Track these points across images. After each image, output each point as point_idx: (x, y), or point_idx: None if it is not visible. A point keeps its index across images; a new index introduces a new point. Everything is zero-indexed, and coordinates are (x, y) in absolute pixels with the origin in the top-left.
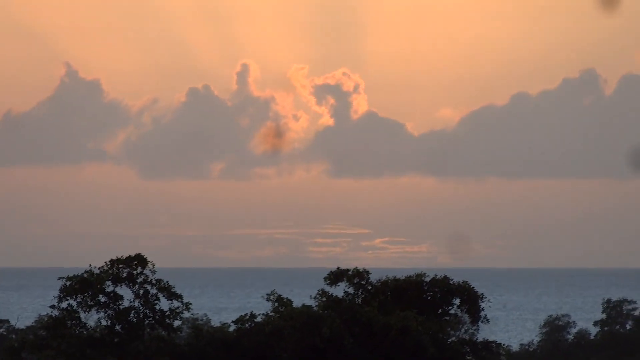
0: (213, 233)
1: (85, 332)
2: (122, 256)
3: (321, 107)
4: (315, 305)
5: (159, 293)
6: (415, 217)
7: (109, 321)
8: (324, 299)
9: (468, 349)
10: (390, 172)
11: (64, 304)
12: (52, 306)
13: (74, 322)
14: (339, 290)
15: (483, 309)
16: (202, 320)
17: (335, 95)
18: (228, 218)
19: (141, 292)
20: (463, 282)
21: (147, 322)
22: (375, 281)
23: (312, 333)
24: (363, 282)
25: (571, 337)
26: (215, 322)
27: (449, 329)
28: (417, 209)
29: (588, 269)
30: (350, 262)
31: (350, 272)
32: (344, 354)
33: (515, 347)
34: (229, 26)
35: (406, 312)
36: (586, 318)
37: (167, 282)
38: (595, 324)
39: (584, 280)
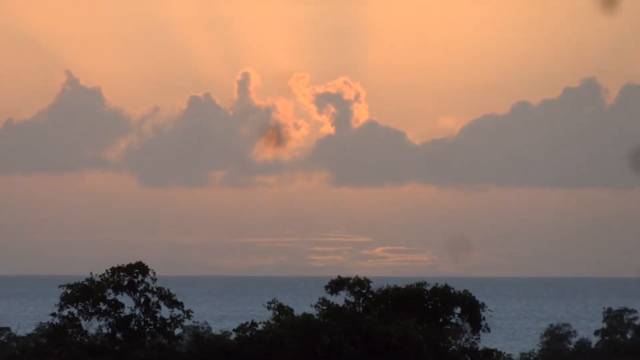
0: (214, 241)
1: (86, 340)
2: (123, 264)
3: (322, 116)
4: (316, 314)
5: (160, 301)
6: (416, 226)
7: (110, 329)
8: (324, 307)
9: (469, 358)
10: (391, 180)
11: (65, 312)
12: (53, 314)
13: (74, 330)
14: (340, 298)
15: (484, 318)
16: (203, 328)
17: (336, 103)
18: (229, 226)
19: (142, 300)
20: (464, 291)
21: (148, 330)
22: (376, 290)
23: (313, 341)
24: (364, 291)
25: (572, 346)
26: (216, 330)
27: (450, 337)
28: (418, 218)
29: (589, 278)
30: (351, 270)
31: (351, 281)
32: None
33: (516, 356)
34: (230, 34)
35: (407, 320)
36: (587, 327)
37: (168, 290)
38: (596, 333)
39: (584, 289)
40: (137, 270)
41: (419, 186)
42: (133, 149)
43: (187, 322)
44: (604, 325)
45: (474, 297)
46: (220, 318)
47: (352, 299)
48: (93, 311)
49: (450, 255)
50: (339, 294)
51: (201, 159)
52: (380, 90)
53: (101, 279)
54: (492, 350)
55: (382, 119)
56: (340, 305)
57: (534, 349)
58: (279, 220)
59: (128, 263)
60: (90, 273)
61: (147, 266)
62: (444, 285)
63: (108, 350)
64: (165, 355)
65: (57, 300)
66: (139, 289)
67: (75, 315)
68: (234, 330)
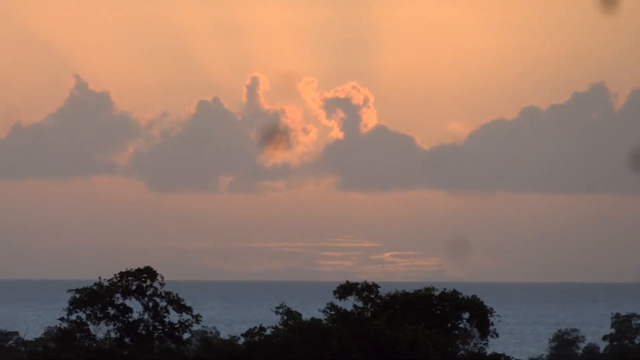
0: (222, 246)
1: (95, 345)
2: (131, 269)
3: (331, 121)
4: (324, 319)
5: (168, 306)
6: (424, 231)
7: (118, 334)
8: (332, 312)
9: None
10: (400, 185)
11: (73, 317)
12: (62, 318)
13: (83, 334)
14: (348, 303)
15: (492, 323)
16: (211, 333)
17: (344, 108)
18: (237, 231)
19: (150, 304)
20: (472, 296)
21: (156, 334)
22: (384, 295)
23: (321, 346)
24: (372, 296)
25: (580, 351)
26: (225, 335)
27: (458, 342)
28: (426, 223)
29: (598, 283)
30: (360, 275)
31: (359, 286)
32: None
33: None
34: (238, 39)
35: (415, 326)
36: (595, 332)
37: (177, 294)
38: (605, 338)
39: (593, 295)
40: (145, 275)
41: (427, 191)
42: (141, 153)
43: (195, 327)
44: (612, 330)
45: (482, 302)
46: (229, 323)
47: (360, 304)
48: (101, 316)
49: (453, 257)
50: (348, 299)
51: (210, 163)
52: (388, 95)
53: (109, 283)
54: (501, 355)
55: (390, 124)
56: (349, 310)
57: (542, 354)
58: (288, 225)
59: (136, 268)
60: (99, 277)
61: (155, 271)
62: (452, 290)
63: (116, 354)
64: None
65: (66, 305)
66: (148, 293)
67: (84, 320)
68: (242, 335)
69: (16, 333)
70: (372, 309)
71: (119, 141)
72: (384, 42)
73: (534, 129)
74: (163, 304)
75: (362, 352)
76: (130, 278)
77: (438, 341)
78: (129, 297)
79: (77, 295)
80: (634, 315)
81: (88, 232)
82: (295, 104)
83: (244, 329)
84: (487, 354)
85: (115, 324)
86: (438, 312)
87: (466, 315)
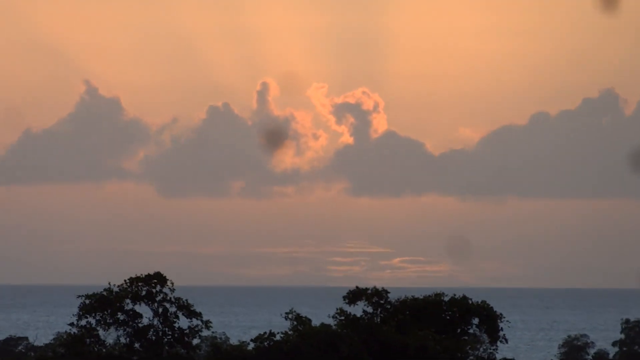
0: (232, 251)
1: (104, 350)
2: (141, 274)
3: (341, 126)
4: (334, 324)
5: (178, 311)
6: (434, 236)
7: (128, 339)
8: (342, 317)
9: None
10: (410, 191)
11: (83, 322)
12: (71, 324)
13: (92, 340)
14: (358, 309)
15: (502, 329)
16: (220, 338)
17: (354, 114)
18: (247, 236)
19: (160, 310)
20: (482, 301)
21: (166, 340)
22: (394, 300)
23: (331, 352)
24: (382, 301)
25: (590, 357)
26: (234, 340)
27: (468, 348)
28: (436, 228)
29: (607, 289)
30: (369, 281)
31: (369, 291)
32: None
33: None
34: (249, 44)
35: (424, 331)
36: (605, 338)
37: (186, 300)
38: (614, 344)
39: (603, 300)
40: (155, 281)
41: (437, 196)
42: (151, 158)
43: (205, 332)
44: (622, 336)
45: (491, 307)
46: (238, 328)
47: (370, 309)
48: (111, 321)
49: (455, 258)
50: (357, 305)
51: (219, 168)
52: (398, 100)
53: (119, 289)
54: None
55: (400, 130)
56: (358, 315)
57: None
58: (297, 231)
59: (146, 273)
60: (109, 283)
61: (165, 276)
62: (461, 295)
63: None
64: None
65: (76, 310)
66: (157, 299)
67: (93, 325)
68: (252, 340)
69: (26, 338)
70: (381, 315)
71: (129, 146)
72: (394, 48)
73: (544, 135)
74: (173, 309)
75: (372, 358)
76: (140, 283)
77: (448, 347)
78: (138, 303)
79: (87, 301)
80: None
81: (98, 237)
82: (306, 110)
83: (254, 335)
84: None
85: (125, 330)
86: (448, 317)
87: (476, 320)
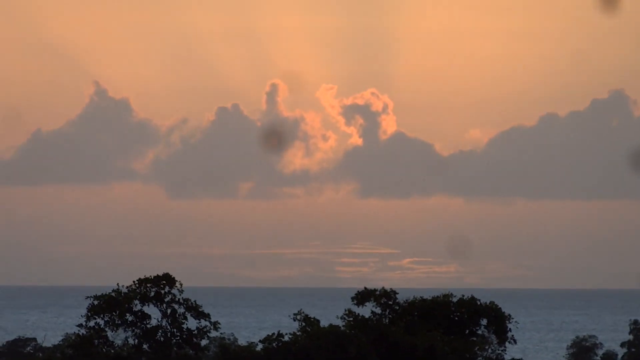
0: (241, 252)
1: (113, 351)
2: (150, 275)
3: (350, 127)
4: (342, 325)
5: (186, 312)
6: (443, 238)
7: (137, 340)
8: (351, 318)
9: None
10: (419, 192)
11: (92, 323)
12: (80, 325)
13: (101, 340)
14: (366, 310)
15: (510, 330)
16: (229, 339)
17: (363, 115)
18: (256, 237)
19: (169, 311)
20: (490, 302)
21: (174, 341)
22: (402, 301)
23: (339, 353)
24: (390, 302)
25: (598, 358)
26: (243, 341)
27: (476, 349)
28: (445, 229)
29: (616, 290)
30: (378, 282)
31: (377, 292)
32: None
33: None
34: (258, 46)
35: (433, 332)
36: (613, 339)
37: (195, 301)
38: (623, 345)
39: (611, 302)
40: (164, 282)
41: (446, 198)
42: (161, 159)
43: (213, 333)
44: (631, 337)
45: (500, 308)
46: (247, 329)
47: (378, 310)
48: (120, 322)
49: (456, 257)
50: (366, 306)
51: (229, 170)
52: (408, 101)
53: (128, 290)
54: None
55: (409, 131)
56: (367, 316)
57: None
58: (306, 232)
59: (155, 274)
60: (117, 284)
61: (174, 277)
62: (470, 296)
63: None
64: None
65: (84, 311)
66: (166, 300)
67: (102, 326)
68: (260, 341)
69: (34, 339)
70: (390, 316)
71: (138, 148)
72: (403, 49)
73: (553, 136)
74: (181, 310)
75: (380, 359)
76: (148, 285)
77: (456, 347)
78: (147, 304)
79: (96, 302)
80: None
81: (107, 238)
82: (315, 111)
83: (262, 336)
84: None
85: (133, 331)
86: (456, 318)
87: (484, 321)
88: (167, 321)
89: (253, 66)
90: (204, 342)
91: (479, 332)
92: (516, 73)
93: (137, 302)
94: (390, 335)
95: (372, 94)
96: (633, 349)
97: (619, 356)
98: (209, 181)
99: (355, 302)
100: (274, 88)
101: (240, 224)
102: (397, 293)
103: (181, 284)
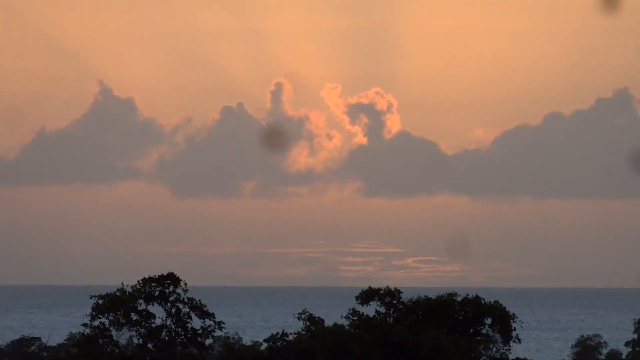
0: (245, 252)
1: (117, 351)
2: (154, 275)
3: (354, 127)
4: (347, 325)
5: (191, 312)
6: (447, 237)
7: (141, 339)
8: (355, 318)
9: None
10: (423, 191)
11: (96, 322)
12: (85, 324)
13: (105, 340)
14: (371, 309)
15: (515, 329)
16: (233, 338)
17: (368, 114)
18: (260, 236)
19: (173, 310)
20: (494, 301)
21: (179, 340)
22: (406, 300)
23: (343, 352)
24: (394, 302)
25: (602, 357)
26: (247, 340)
27: (481, 348)
28: (449, 229)
29: (621, 289)
30: (382, 281)
31: (381, 291)
32: None
33: None
34: (263, 45)
35: (437, 331)
36: (618, 338)
37: (199, 300)
38: (627, 344)
39: (616, 301)
40: (168, 281)
41: (451, 197)
42: (165, 159)
43: (217, 333)
44: (635, 336)
45: (504, 307)
46: (251, 328)
47: (382, 309)
48: (124, 321)
49: (455, 256)
50: (370, 305)
51: (233, 169)
52: (412, 101)
53: (132, 289)
54: None
55: (414, 130)
56: (371, 315)
57: None
58: (310, 231)
59: (160, 273)
60: (122, 283)
61: (178, 277)
62: (474, 296)
63: None
64: None
65: (89, 311)
66: (170, 299)
67: (107, 326)
68: (264, 340)
69: (39, 339)
70: (394, 315)
71: (142, 147)
72: (408, 48)
73: (557, 135)
74: (186, 310)
75: (384, 358)
76: (153, 284)
77: (460, 347)
78: (151, 303)
79: (100, 301)
80: None
81: (111, 238)
82: (319, 110)
83: (267, 335)
84: None
85: (138, 330)
86: (460, 317)
87: (488, 320)
88: (171, 320)
89: (258, 65)
90: (208, 342)
91: (484, 331)
92: (521, 72)
93: (141, 301)
94: (394, 334)
95: (377, 93)
96: (637, 348)
97: (624, 355)
98: (213, 180)
99: (359, 301)
100: (278, 87)
101: (244, 223)
102: (402, 292)
103: (185, 284)
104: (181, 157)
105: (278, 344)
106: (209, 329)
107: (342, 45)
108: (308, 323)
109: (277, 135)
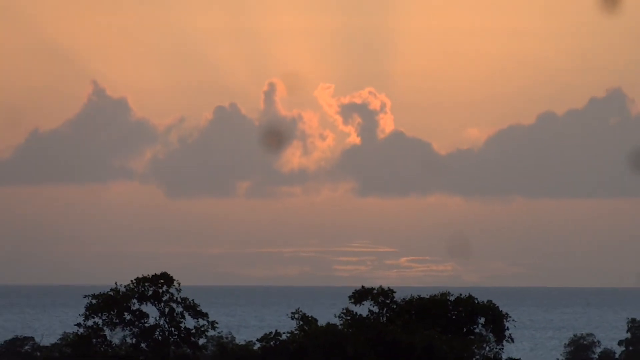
0: (238, 251)
1: (111, 350)
2: (148, 274)
3: (347, 126)
4: (340, 324)
5: (184, 311)
6: (441, 236)
7: (135, 339)
8: (348, 317)
9: None
10: (416, 191)
11: (90, 322)
12: (78, 324)
13: (99, 340)
14: (364, 309)
15: (508, 328)
16: (227, 338)
17: (361, 114)
18: (253, 236)
19: (167, 310)
20: (488, 301)
21: (172, 340)
22: (400, 300)
23: (337, 352)
24: (388, 301)
25: (596, 356)
26: (240, 340)
27: (474, 347)
28: (442, 228)
29: (614, 289)
30: (375, 280)
31: (375, 291)
32: None
33: None
34: (256, 45)
35: (430, 331)
36: (611, 337)
37: (193, 300)
38: (620, 343)
39: (609, 300)
40: (161, 281)
41: (444, 197)
42: (159, 159)
43: (211, 332)
44: (628, 335)
45: (497, 307)
46: (244, 328)
47: (376, 309)
48: (118, 321)
49: (455, 256)
50: (363, 304)
51: (226, 169)
52: (405, 100)
53: (126, 289)
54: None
55: (407, 130)
56: (364, 315)
57: (558, 359)
58: (304, 230)
59: (153, 273)
60: (115, 283)
61: (171, 277)
62: (467, 295)
63: None
64: None
65: (82, 311)
66: (164, 299)
67: (100, 325)
68: (257, 340)
69: (32, 338)
70: (387, 314)
71: (136, 147)
72: (401, 48)
73: (550, 135)
74: (179, 309)
75: (378, 357)
76: (146, 284)
77: (454, 346)
78: (145, 303)
79: (94, 301)
80: None
81: (105, 237)
82: (312, 110)
83: (260, 334)
84: (503, 359)
85: (131, 330)
86: (453, 317)
87: (482, 320)
88: (165, 320)
89: (251, 65)
90: (201, 341)
91: (477, 330)
92: (514, 72)
93: (135, 301)
94: (387, 334)
95: (370, 93)
96: (631, 347)
97: (617, 354)
98: (206, 180)
99: (352, 300)
100: (271, 87)
101: (238, 223)
102: (395, 292)
103: (179, 283)
104: (174, 157)
105: (271, 343)
106: (203, 329)
107: (335, 45)
108: (301, 322)
109: (276, 136)
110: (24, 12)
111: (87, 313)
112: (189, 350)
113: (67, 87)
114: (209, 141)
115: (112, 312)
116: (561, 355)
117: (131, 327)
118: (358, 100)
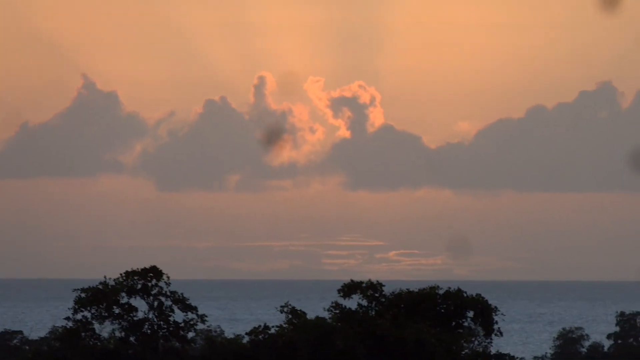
0: (228, 245)
1: (99, 344)
2: (137, 268)
3: (337, 120)
4: (329, 318)
5: (173, 305)
6: (430, 230)
7: (123, 333)
8: (337, 311)
9: None
10: (406, 184)
11: (79, 316)
12: (67, 318)
13: (88, 333)
14: (353, 302)
15: (496, 322)
16: (216, 332)
17: (351, 108)
18: (243, 230)
19: (156, 303)
20: (477, 294)
21: (161, 333)
22: (389, 294)
23: (326, 345)
24: (377, 295)
25: (584, 350)
26: (229, 333)
27: (463, 341)
28: (432, 222)
29: (602, 282)
30: (365, 274)
31: (364, 285)
32: None
33: None
34: (246, 39)
35: (420, 324)
36: (600, 331)
37: (182, 294)
38: (609, 337)
39: (599, 293)
40: (151, 274)
41: (434, 190)
42: (149, 152)
43: (200, 326)
44: (617, 329)
45: (486, 300)
46: (234, 321)
47: (365, 302)
48: (106, 315)
49: (453, 253)
50: (352, 298)
51: (217, 162)
52: (395, 94)
53: (115, 282)
54: (505, 354)
55: (397, 123)
56: (354, 309)
57: (546, 353)
58: (293, 224)
59: (142, 267)
60: (104, 277)
61: (161, 270)
62: (456, 289)
63: (121, 354)
64: (179, 359)
65: (71, 304)
66: (153, 292)
67: (89, 319)
68: (246, 333)
69: (21, 332)
70: (376, 308)
71: (126, 140)
72: (391, 42)
73: (540, 128)
74: (168, 303)
75: (367, 351)
76: (135, 277)
77: (443, 340)
78: (134, 297)
79: (83, 295)
80: (638, 313)
81: (94, 231)
82: (302, 103)
83: (249, 328)
84: (492, 353)
85: (120, 323)
86: (442, 310)
87: (470, 313)
88: (154, 314)
89: (241, 59)
90: (190, 335)
91: (466, 324)
92: (504, 65)
93: (124, 294)
94: (376, 327)
95: (360, 86)
96: (619, 341)
97: (605, 348)
98: (196, 174)
99: (341, 294)
100: (261, 81)
101: (228, 216)
102: (384, 285)
103: (168, 277)
104: (165, 150)
105: (260, 337)
106: (192, 323)
107: (324, 39)
108: (290, 316)
109: (276, 136)
110: (14, 6)
111: (76, 307)
112: (177, 343)
113: (57, 81)
114: (199, 135)
115: (101, 306)
116: (550, 348)
117: (120, 320)
118: (348, 94)
